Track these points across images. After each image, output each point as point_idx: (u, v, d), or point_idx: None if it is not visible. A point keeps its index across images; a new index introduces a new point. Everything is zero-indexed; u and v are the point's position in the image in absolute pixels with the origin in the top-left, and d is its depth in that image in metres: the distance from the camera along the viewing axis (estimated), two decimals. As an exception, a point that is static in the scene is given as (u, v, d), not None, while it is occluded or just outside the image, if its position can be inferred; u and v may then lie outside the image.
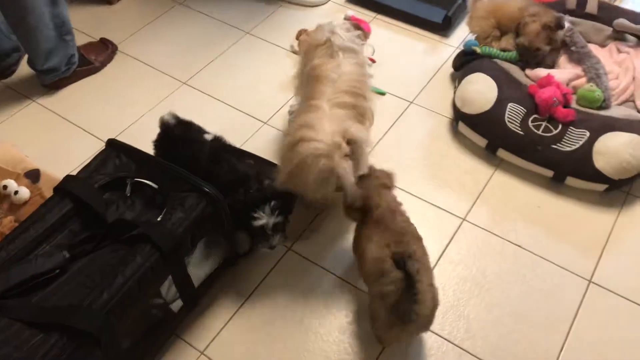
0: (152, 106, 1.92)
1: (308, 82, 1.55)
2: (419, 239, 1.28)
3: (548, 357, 1.34)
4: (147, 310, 1.31)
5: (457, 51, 2.07)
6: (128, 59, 2.11)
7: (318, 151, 1.26)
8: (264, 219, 1.35)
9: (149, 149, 1.76)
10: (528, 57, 1.91)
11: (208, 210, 1.26)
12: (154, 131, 1.71)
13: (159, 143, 1.53)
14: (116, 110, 1.92)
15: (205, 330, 1.38)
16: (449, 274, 1.50)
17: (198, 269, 1.37)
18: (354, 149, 1.32)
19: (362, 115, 1.50)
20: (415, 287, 1.12)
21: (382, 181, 1.38)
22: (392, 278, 1.15)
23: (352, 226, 1.49)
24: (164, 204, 1.26)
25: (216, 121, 1.87)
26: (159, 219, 1.22)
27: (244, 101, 1.95)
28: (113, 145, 1.37)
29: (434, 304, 1.20)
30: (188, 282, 1.31)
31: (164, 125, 1.52)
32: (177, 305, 1.34)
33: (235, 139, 1.78)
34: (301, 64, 1.65)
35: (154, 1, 2.37)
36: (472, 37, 2.04)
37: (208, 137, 1.52)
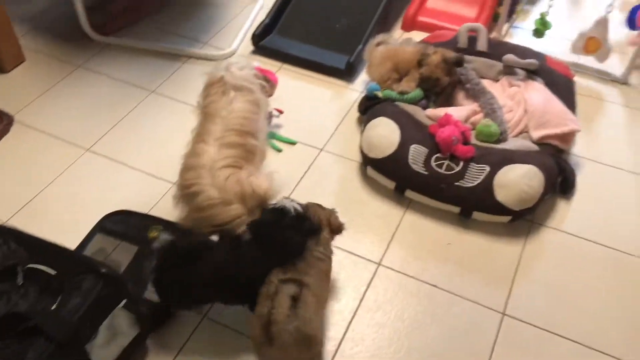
0: (54, 178, 1.84)
1: (200, 120, 1.60)
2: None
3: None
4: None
5: (362, 95, 2.12)
6: (26, 130, 2.02)
7: (212, 201, 1.38)
8: None
9: (51, 224, 1.69)
10: (429, 87, 1.99)
11: (106, 290, 1.20)
12: (56, 206, 1.64)
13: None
14: (13, 186, 1.83)
15: (119, 415, 1.31)
16: (368, 323, 1.49)
17: (105, 351, 1.30)
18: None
19: (251, 153, 1.55)
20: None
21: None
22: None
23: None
24: (60, 290, 1.20)
25: (123, 186, 1.83)
26: (54, 307, 1.16)
27: (151, 163, 1.91)
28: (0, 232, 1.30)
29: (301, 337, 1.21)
30: (93, 370, 1.24)
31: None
32: (86, 393, 1.27)
33: (143, 203, 1.75)
34: (201, 98, 1.69)
35: (53, 66, 2.30)
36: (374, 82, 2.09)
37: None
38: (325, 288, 1.39)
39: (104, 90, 2.20)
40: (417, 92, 1.97)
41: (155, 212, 1.72)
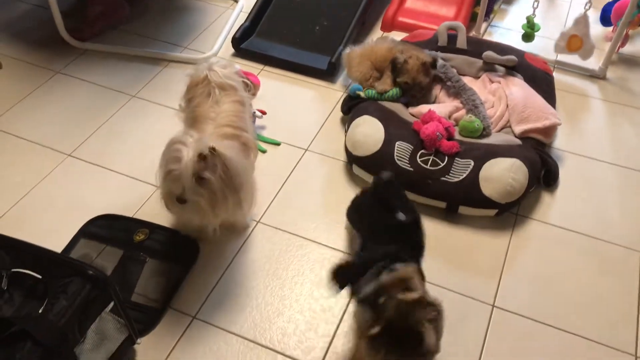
0: (34, 184, 1.81)
1: (189, 122, 1.59)
2: None
3: (463, 388, 1.36)
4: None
5: (345, 95, 2.13)
6: (5, 136, 1.98)
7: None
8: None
9: (34, 231, 1.66)
10: (414, 92, 2.00)
11: (94, 293, 1.18)
12: (38, 212, 1.61)
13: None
14: (-6, 193, 1.79)
15: (109, 421, 1.28)
16: (359, 319, 1.49)
17: (93, 355, 1.27)
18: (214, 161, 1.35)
19: (246, 146, 1.55)
20: None
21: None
22: None
23: (264, 278, 1.47)
24: (45, 293, 1.17)
25: (105, 191, 1.80)
26: (40, 311, 1.13)
27: (134, 167, 1.88)
28: (-19, 237, 1.26)
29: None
30: (82, 374, 1.21)
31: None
32: (75, 399, 1.24)
33: (126, 207, 1.72)
34: (184, 101, 1.68)
35: (31, 72, 2.26)
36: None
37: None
38: None
39: (83, 95, 2.17)
40: (395, 91, 1.98)
41: (139, 216, 1.71)
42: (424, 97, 2.04)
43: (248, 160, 1.59)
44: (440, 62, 2.03)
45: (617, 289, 1.58)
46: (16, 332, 1.08)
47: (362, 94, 1.99)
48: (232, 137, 1.52)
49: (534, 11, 2.32)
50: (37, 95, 2.17)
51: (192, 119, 1.59)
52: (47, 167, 1.87)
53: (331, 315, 1.49)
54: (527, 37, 2.36)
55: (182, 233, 1.65)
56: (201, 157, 1.33)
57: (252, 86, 2.15)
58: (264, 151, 1.96)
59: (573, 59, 2.35)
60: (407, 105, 2.00)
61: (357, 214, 1.57)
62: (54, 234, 1.64)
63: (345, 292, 1.52)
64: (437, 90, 2.05)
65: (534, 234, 1.72)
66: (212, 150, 1.34)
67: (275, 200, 1.79)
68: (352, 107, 1.98)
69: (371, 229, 1.43)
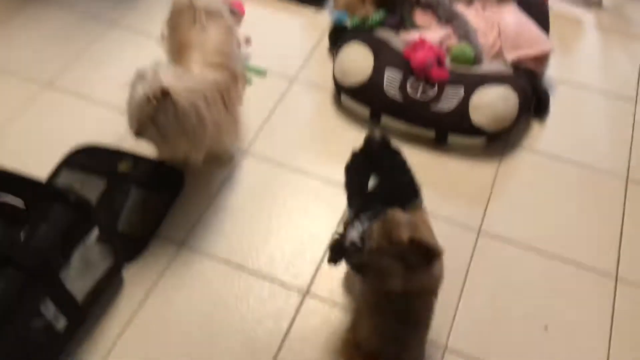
0: (12, 115, 1.76)
1: (175, 51, 1.52)
2: None
3: (447, 308, 1.37)
4: (27, 335, 1.20)
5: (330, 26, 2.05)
6: (-23, 66, 1.92)
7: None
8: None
9: (15, 163, 1.62)
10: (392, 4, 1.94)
11: (76, 218, 1.16)
12: (18, 142, 1.58)
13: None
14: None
15: (98, 345, 1.29)
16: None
17: (80, 282, 1.27)
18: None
19: (234, 76, 1.49)
20: None
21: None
22: None
23: (251, 207, 1.47)
24: (27, 220, 1.16)
25: (86, 123, 1.75)
26: (21, 237, 1.12)
27: (117, 96, 1.81)
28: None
29: None
30: (69, 298, 1.22)
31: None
32: (62, 323, 1.24)
33: (109, 139, 1.69)
34: (167, 28, 1.61)
35: (4, 0, 2.16)
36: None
37: None
38: None
39: (61, 22, 2.08)
40: (379, 14, 1.91)
41: (123, 147, 1.67)
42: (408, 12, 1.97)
43: (230, 95, 1.49)
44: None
45: (602, 215, 1.59)
46: (-2, 258, 1.08)
47: (348, 23, 1.92)
48: (220, 66, 1.46)
49: None
50: (10, 25, 2.07)
51: (177, 48, 1.53)
52: (21, 100, 1.81)
53: (318, 242, 1.49)
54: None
55: (167, 164, 1.62)
56: (150, 100, 1.27)
57: (236, 15, 2.07)
58: (249, 81, 1.91)
59: (569, -15, 2.28)
60: (397, 28, 1.93)
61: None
62: (34, 166, 1.59)
63: (333, 224, 1.52)
64: (428, 17, 1.98)
65: (523, 162, 1.71)
66: (164, 93, 1.27)
67: (262, 130, 1.76)
68: (339, 39, 1.91)
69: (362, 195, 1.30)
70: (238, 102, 1.59)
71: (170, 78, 1.31)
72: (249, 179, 1.63)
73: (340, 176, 1.64)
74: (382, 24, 1.91)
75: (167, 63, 1.48)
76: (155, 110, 1.29)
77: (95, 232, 1.24)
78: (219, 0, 1.62)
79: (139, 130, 1.33)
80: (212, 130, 1.40)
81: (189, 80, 1.37)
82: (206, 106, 1.37)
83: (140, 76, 1.32)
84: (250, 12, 2.12)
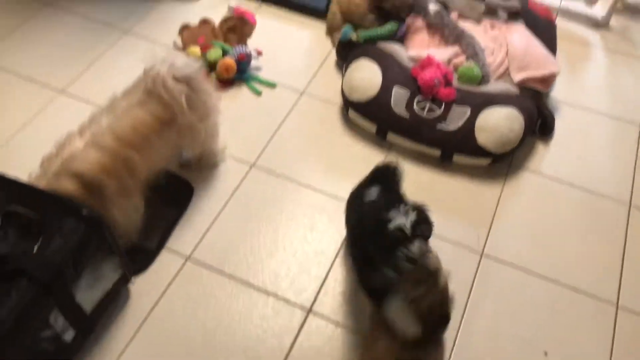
0: (25, 121, 1.79)
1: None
2: None
3: (449, 330, 1.39)
4: (36, 345, 1.22)
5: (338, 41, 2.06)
6: (-6, 70, 1.94)
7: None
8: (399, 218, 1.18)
9: (24, 170, 1.64)
10: (400, 13, 1.98)
11: (88, 233, 1.19)
12: (29, 150, 1.60)
13: None
14: (-17, 130, 1.77)
15: (104, 357, 1.32)
16: (348, 265, 1.52)
17: (89, 294, 1.30)
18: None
19: (127, 168, 1.35)
20: None
21: None
22: None
23: (258, 221, 1.48)
24: (40, 232, 1.18)
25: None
26: (35, 249, 1.14)
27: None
28: (-26, 175, 1.26)
29: None
30: (78, 310, 1.24)
31: None
32: (70, 334, 1.27)
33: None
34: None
35: (18, 5, 2.18)
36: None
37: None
38: None
39: (75, 30, 2.11)
40: (392, 25, 1.94)
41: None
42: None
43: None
44: (434, 7, 1.98)
45: (604, 241, 1.61)
46: (12, 270, 1.10)
47: (354, 36, 1.94)
48: (107, 151, 1.29)
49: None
50: (25, 29, 2.10)
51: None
52: (37, 104, 1.84)
53: (324, 258, 1.52)
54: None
55: (178, 177, 1.63)
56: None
57: (247, 26, 2.10)
58: (259, 93, 1.94)
59: (577, 5, 2.30)
60: (403, 40, 1.95)
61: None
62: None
63: (336, 237, 1.54)
64: (437, 36, 2.00)
65: (527, 184, 1.73)
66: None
67: (270, 143, 1.78)
68: (347, 54, 1.93)
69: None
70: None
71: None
72: (257, 192, 1.65)
73: (344, 192, 1.68)
74: (394, 35, 1.93)
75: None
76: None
77: (106, 246, 1.26)
78: (176, 91, 1.40)
79: None
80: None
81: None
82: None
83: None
84: (262, 23, 2.15)
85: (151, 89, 1.39)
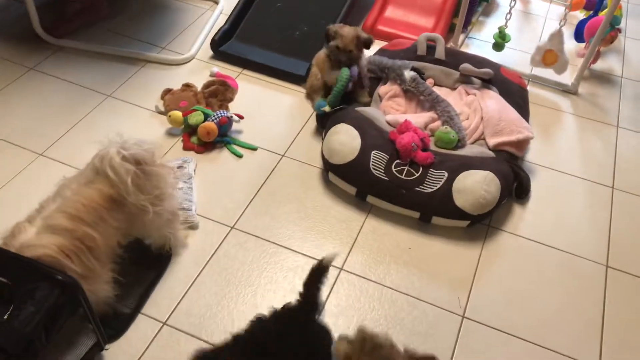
0: (4, 183, 1.77)
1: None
2: None
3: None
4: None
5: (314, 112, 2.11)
6: (-26, 133, 1.94)
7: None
8: None
9: (3, 232, 1.62)
10: (340, 57, 2.03)
11: (62, 298, 1.16)
12: (8, 210, 1.58)
13: None
14: (-39, 191, 1.75)
15: None
16: (331, 328, 1.49)
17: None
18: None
19: (85, 244, 1.29)
20: None
21: None
22: None
23: (237, 285, 1.46)
24: (12, 298, 1.15)
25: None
26: (5, 317, 1.11)
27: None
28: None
29: None
30: (48, 380, 1.20)
31: None
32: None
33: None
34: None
35: (4, 68, 2.22)
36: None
37: None
38: None
39: (58, 93, 2.14)
40: (343, 73, 1.99)
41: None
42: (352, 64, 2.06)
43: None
44: (410, 74, 2.05)
45: (583, 302, 1.62)
46: (-20, 338, 1.06)
47: (327, 109, 1.99)
48: (62, 231, 1.25)
49: (506, 22, 2.36)
50: (8, 92, 2.12)
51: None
52: (16, 166, 1.84)
53: (303, 323, 1.49)
54: (498, 46, 2.40)
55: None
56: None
57: (229, 90, 2.15)
58: (240, 155, 1.96)
59: (547, 73, 2.40)
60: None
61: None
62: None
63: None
64: (413, 102, 2.07)
65: (505, 246, 1.75)
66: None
67: (250, 205, 1.79)
68: (325, 120, 1.97)
69: None
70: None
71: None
72: (236, 255, 1.64)
73: (324, 254, 1.67)
74: (349, 80, 1.99)
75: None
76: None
77: (80, 312, 1.23)
78: (123, 171, 1.34)
79: None
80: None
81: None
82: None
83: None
84: (243, 88, 2.20)
85: (98, 167, 1.34)
